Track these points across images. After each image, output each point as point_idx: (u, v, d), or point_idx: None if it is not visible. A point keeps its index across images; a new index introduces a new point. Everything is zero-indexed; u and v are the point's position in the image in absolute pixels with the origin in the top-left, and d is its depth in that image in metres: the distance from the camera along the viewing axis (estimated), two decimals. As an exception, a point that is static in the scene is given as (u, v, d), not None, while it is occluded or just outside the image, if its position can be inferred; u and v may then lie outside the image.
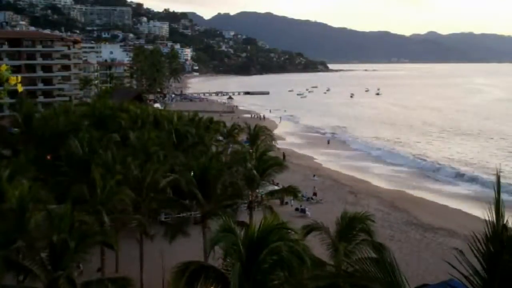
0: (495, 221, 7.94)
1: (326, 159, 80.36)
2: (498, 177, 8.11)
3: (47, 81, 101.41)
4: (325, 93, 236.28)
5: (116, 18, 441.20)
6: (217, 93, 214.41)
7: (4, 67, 9.00)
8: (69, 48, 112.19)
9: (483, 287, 8.05)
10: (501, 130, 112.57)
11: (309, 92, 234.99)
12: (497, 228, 7.93)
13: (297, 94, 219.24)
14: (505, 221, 7.98)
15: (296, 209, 49.41)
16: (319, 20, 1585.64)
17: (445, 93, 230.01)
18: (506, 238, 7.90)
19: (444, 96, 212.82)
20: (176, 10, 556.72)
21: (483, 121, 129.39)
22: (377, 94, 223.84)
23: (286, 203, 50.88)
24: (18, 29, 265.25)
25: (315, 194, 55.10)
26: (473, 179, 66.88)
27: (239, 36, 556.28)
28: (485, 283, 8.00)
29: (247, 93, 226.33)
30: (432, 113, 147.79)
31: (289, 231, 17.24)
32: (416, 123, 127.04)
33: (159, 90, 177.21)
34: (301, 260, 15.63)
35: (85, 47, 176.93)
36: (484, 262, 7.98)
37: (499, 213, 7.94)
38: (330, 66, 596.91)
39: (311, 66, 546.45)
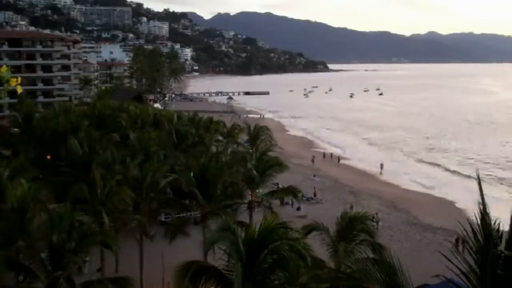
0: (481, 218, 8.42)
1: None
2: (479, 177, 8.89)
3: (47, 81, 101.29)
4: (326, 93, 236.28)
5: (116, 18, 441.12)
6: (217, 93, 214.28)
7: (4, 68, 9.02)
8: (69, 48, 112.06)
9: (478, 283, 8.33)
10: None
11: (310, 92, 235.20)
12: (483, 224, 8.35)
13: (304, 94, 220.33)
14: (490, 218, 8.45)
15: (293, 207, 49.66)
16: (319, 20, 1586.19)
17: (452, 95, 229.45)
18: (491, 233, 8.31)
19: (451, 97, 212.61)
20: (176, 10, 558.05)
21: None
22: (380, 94, 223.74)
23: (287, 203, 50.87)
24: (18, 29, 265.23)
25: (314, 194, 55.14)
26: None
27: (239, 36, 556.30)
28: (479, 278, 8.31)
29: (247, 93, 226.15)
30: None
31: (289, 230, 17.24)
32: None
33: (159, 90, 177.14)
34: (302, 259, 15.62)
35: (85, 47, 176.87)
36: (476, 257, 8.34)
37: (485, 211, 8.42)
38: (330, 66, 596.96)
39: (311, 66, 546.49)
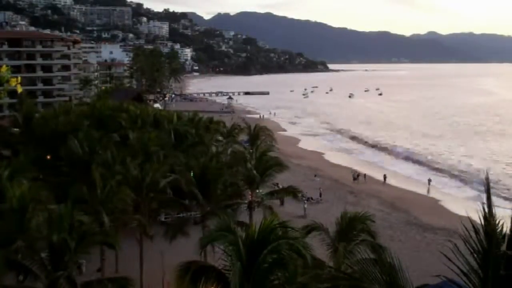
0: (483, 217, 8.35)
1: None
2: (487, 179, 8.77)
3: (47, 81, 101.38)
4: (327, 93, 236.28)
5: (116, 18, 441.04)
6: (217, 93, 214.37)
7: (4, 68, 9.03)
8: (69, 48, 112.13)
9: (480, 283, 8.31)
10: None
11: (311, 92, 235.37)
12: (485, 224, 8.29)
13: (303, 94, 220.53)
14: (493, 217, 8.36)
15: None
16: (319, 20, 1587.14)
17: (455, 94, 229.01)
18: (494, 233, 8.26)
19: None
20: (176, 10, 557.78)
21: None
22: (380, 94, 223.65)
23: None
24: (18, 29, 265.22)
25: (320, 195, 55.18)
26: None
27: (239, 36, 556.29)
28: (481, 279, 8.28)
29: (247, 93, 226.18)
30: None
31: (289, 230, 17.24)
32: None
33: (159, 90, 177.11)
34: (302, 258, 15.62)
35: (85, 47, 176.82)
36: (478, 259, 8.30)
37: (489, 210, 8.34)
38: (330, 66, 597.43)
39: (311, 66, 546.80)
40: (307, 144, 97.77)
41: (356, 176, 65.17)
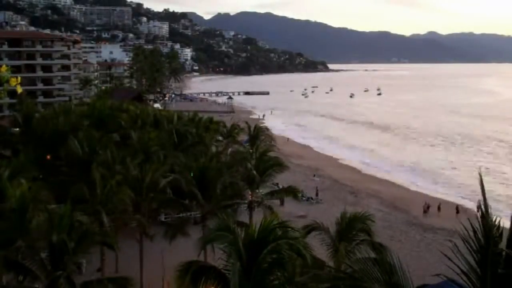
0: (481, 216, 8.45)
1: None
2: (481, 178, 8.90)
3: (47, 81, 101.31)
4: (327, 93, 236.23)
5: (116, 18, 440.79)
6: (217, 93, 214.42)
7: (4, 68, 9.02)
8: (69, 48, 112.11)
9: (479, 282, 8.34)
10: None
11: (311, 92, 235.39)
12: (484, 223, 8.36)
13: (302, 94, 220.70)
14: (491, 216, 8.44)
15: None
16: (319, 20, 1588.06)
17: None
18: (492, 231, 8.30)
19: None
20: (176, 10, 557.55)
21: None
22: (379, 94, 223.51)
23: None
24: (18, 29, 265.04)
25: (316, 194, 55.16)
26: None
27: (239, 36, 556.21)
28: (479, 278, 8.31)
29: (247, 93, 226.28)
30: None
31: (289, 230, 17.23)
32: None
33: (159, 90, 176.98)
34: (302, 258, 15.61)
35: (85, 47, 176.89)
36: (477, 258, 8.33)
37: (486, 209, 8.42)
38: (330, 66, 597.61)
39: (311, 66, 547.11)
40: (305, 143, 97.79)
41: (427, 208, 52.25)
